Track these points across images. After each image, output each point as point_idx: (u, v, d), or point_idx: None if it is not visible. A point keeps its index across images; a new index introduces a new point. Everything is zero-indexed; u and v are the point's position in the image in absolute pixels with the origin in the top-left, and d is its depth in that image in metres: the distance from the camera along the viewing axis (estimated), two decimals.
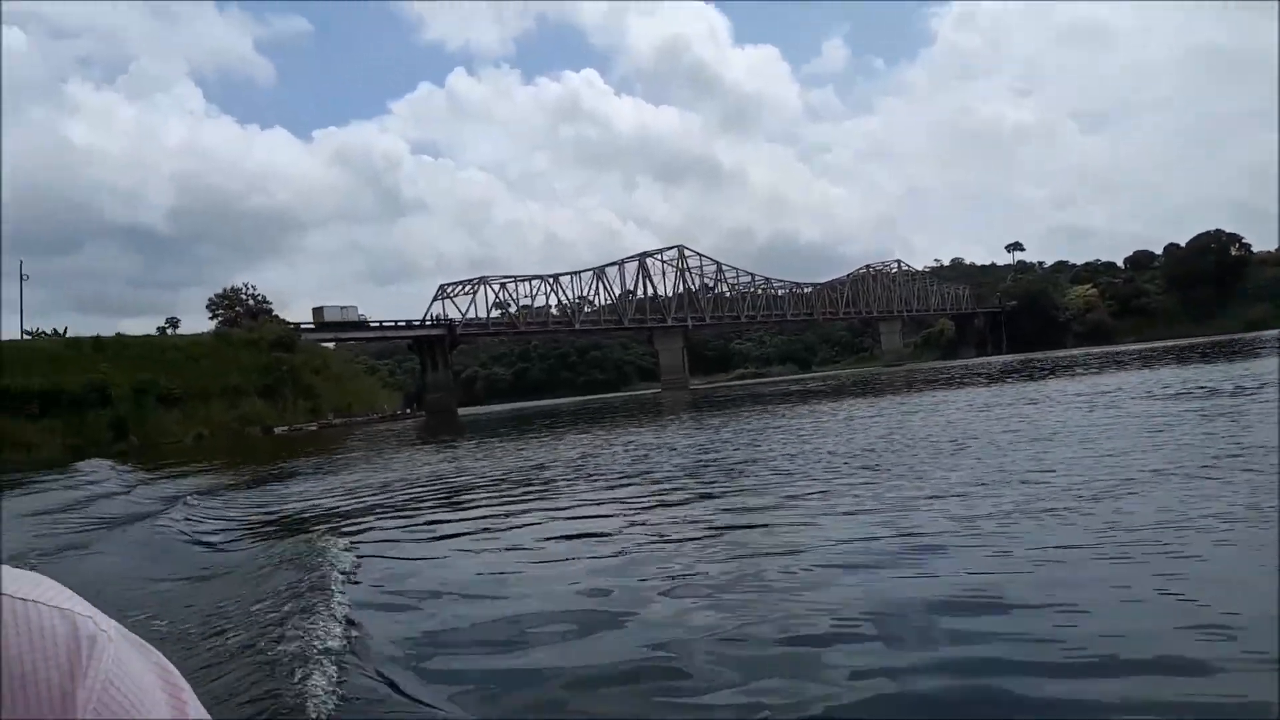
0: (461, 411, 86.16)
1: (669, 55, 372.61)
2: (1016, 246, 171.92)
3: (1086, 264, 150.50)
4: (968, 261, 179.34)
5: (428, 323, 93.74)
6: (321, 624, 4.73)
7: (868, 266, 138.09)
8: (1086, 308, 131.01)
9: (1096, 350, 72.42)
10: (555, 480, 12.19)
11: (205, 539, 8.91)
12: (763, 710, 3.32)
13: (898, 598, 4.61)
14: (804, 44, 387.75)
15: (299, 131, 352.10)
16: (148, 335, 70.56)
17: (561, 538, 7.48)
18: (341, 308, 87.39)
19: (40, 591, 0.46)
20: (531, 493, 10.91)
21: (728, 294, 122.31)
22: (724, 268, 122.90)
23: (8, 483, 19.14)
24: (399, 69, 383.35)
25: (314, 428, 67.86)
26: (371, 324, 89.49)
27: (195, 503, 12.52)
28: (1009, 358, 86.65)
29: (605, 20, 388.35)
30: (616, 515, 8.38)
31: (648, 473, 11.94)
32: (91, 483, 17.20)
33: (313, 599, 5.36)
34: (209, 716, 0.48)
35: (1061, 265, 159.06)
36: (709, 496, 9.20)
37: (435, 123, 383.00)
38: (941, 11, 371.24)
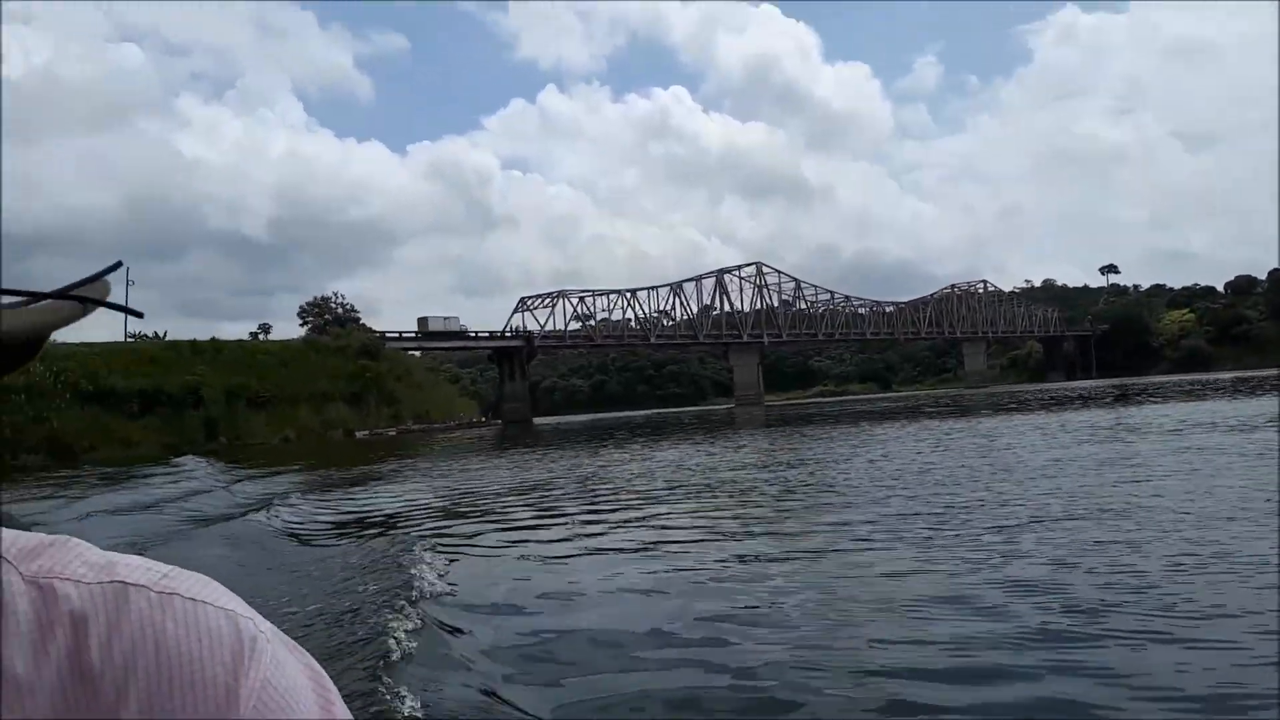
0: (538, 421, 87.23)
1: (758, 72, 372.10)
2: (1111, 269, 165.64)
3: (1184, 288, 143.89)
4: (1059, 283, 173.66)
5: (507, 334, 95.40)
6: (411, 625, 4.87)
7: (953, 286, 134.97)
8: (1182, 333, 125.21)
9: (1192, 378, 69.16)
10: (625, 491, 12.25)
11: (300, 536, 9.26)
12: None
13: (985, 634, 4.49)
14: (895, 61, 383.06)
15: (394, 145, 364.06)
16: (241, 340, 73.49)
17: (634, 550, 7.51)
18: (444, 318, 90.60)
19: (207, 592, 0.48)
20: (604, 503, 10.99)
21: (806, 311, 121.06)
22: (803, 285, 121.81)
23: (118, 475, 20.19)
24: (492, 85, 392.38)
25: (393, 433, 69.56)
26: (468, 333, 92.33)
27: (291, 501, 13.04)
28: (1099, 382, 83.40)
29: (694, 38, 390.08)
30: (688, 530, 8.37)
31: (713, 487, 11.91)
32: (191, 478, 18.11)
33: (402, 600, 5.52)
34: (352, 717, 0.49)
35: (1158, 289, 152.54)
36: (783, 515, 9.13)
37: (526, 138, 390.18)
38: (1040, 28, 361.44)
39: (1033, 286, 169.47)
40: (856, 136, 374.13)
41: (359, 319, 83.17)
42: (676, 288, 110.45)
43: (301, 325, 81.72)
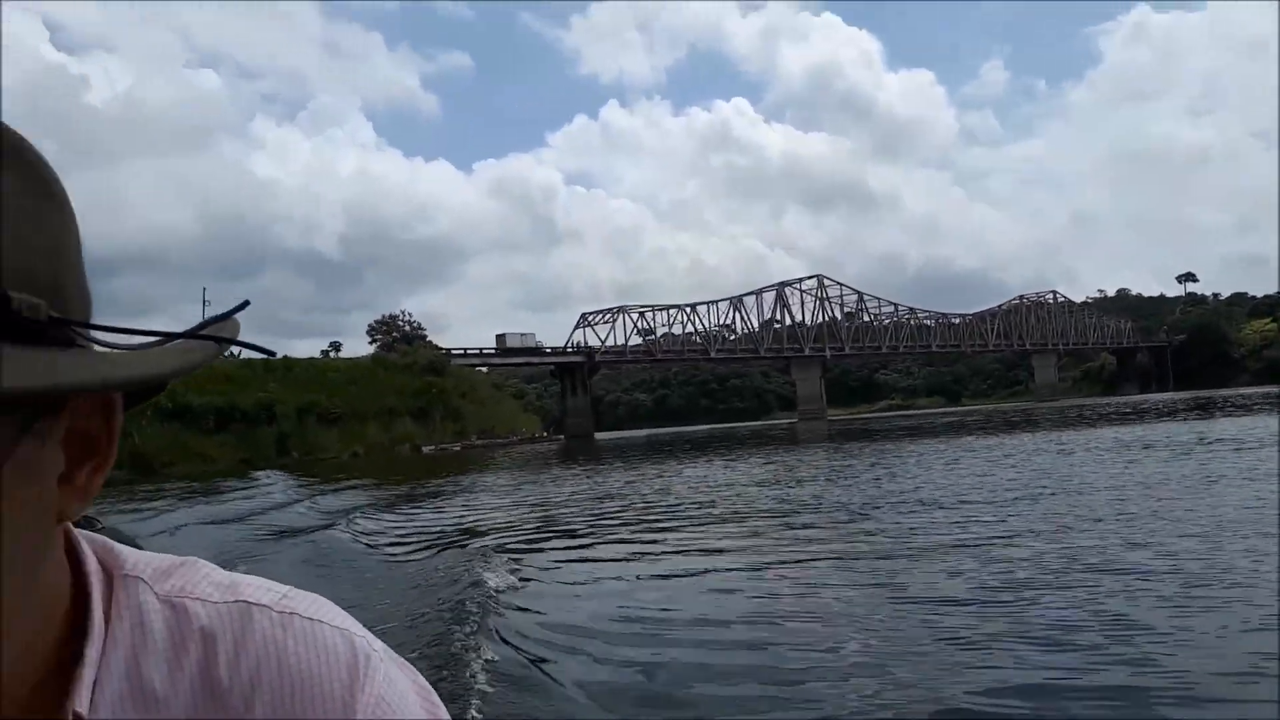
0: (600, 435, 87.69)
1: (820, 81, 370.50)
2: (1189, 277, 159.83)
3: (1267, 296, 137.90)
4: (1134, 292, 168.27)
5: (569, 350, 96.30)
6: (485, 638, 5.00)
7: (1021, 297, 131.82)
8: (1264, 343, 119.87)
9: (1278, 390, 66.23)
10: (687, 507, 12.28)
11: (378, 549, 9.55)
12: None
13: (1065, 676, 4.31)
14: (961, 67, 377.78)
15: (460, 163, 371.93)
16: (312, 358, 75.63)
17: (700, 570, 7.48)
18: (521, 334, 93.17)
19: (324, 612, 0.50)
20: (667, 519, 11.03)
21: (870, 324, 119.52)
22: (865, 297, 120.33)
23: (203, 489, 20.99)
24: (555, 102, 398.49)
25: (458, 448, 70.66)
26: (544, 349, 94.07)
27: (367, 515, 13.42)
28: (1177, 395, 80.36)
29: (755, 48, 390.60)
30: (745, 550, 8.32)
31: (771, 507, 11.86)
32: (270, 491, 18.78)
33: (475, 611, 5.67)
34: None
35: (1239, 297, 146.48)
36: (845, 535, 9.05)
37: (589, 153, 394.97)
38: (1110, 28, 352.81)
39: (1105, 296, 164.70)
40: (921, 144, 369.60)
41: (425, 336, 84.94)
42: (736, 301, 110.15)
43: (370, 343, 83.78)
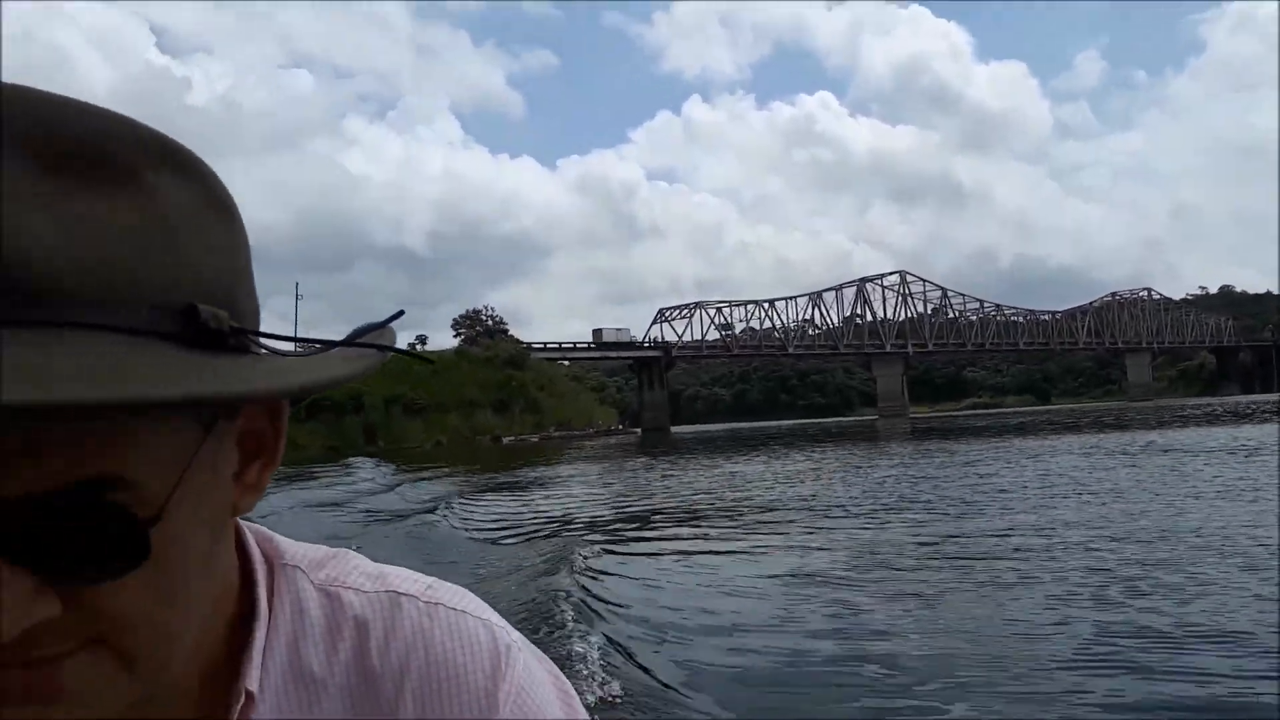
0: (676, 429, 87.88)
1: (907, 75, 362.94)
2: None
3: None
4: (1238, 289, 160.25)
5: (646, 345, 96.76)
6: (582, 626, 5.11)
7: (1114, 294, 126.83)
8: None
9: None
10: (764, 502, 12.24)
11: (472, 534, 9.84)
12: None
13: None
14: (1054, 58, 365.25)
15: (544, 160, 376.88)
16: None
17: (783, 572, 7.38)
18: (616, 329, 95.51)
19: (466, 603, 0.52)
20: (744, 512, 11.02)
21: (955, 320, 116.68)
22: (950, 293, 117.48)
23: (298, 474, 21.84)
24: (638, 98, 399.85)
25: (536, 439, 71.76)
26: (639, 344, 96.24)
27: (458, 502, 13.80)
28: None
29: (841, 42, 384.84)
30: (829, 547, 8.20)
31: (848, 505, 11.72)
32: (364, 478, 19.50)
33: (569, 599, 5.79)
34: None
35: None
36: (921, 539, 8.89)
37: (671, 149, 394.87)
38: (1214, 16, 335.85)
39: (1207, 293, 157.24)
40: (1013, 137, 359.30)
41: (507, 330, 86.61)
42: (816, 297, 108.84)
43: (455, 336, 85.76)
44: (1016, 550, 7.38)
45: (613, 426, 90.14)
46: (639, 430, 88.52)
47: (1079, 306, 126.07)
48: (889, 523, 9.58)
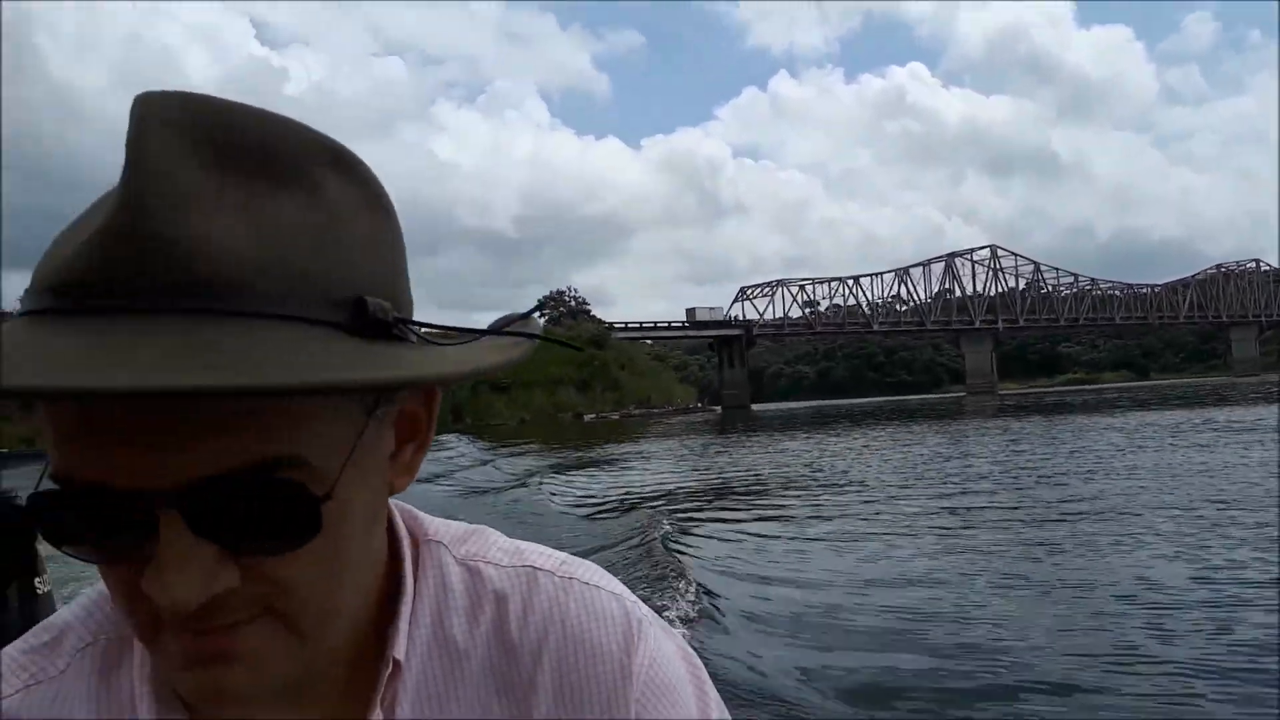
0: (757, 407, 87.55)
1: (1002, 43, 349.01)
2: None
3: None
4: None
5: (729, 322, 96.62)
6: (676, 599, 5.42)
7: (1218, 266, 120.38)
8: None
9: None
10: (850, 484, 12.31)
11: (565, 507, 10.31)
12: None
13: None
14: (1161, 20, 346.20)
15: (629, 140, 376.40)
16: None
17: (860, 542, 7.61)
18: (710, 308, 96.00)
19: (599, 578, 0.54)
20: (831, 494, 11.09)
21: (1047, 295, 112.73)
22: (1043, 268, 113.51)
23: None
24: (724, 75, 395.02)
25: (616, 417, 72.67)
26: (732, 321, 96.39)
27: (550, 477, 14.34)
28: None
29: (933, 12, 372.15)
30: (915, 532, 8.23)
31: (934, 486, 11.74)
32: (457, 453, 20.39)
33: (670, 575, 6.10)
34: (717, 694, 0.54)
35: None
36: (1008, 524, 8.89)
37: (757, 126, 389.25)
38: None
39: None
40: (1116, 104, 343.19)
41: (589, 310, 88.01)
42: (903, 273, 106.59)
43: (540, 316, 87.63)
44: (1097, 531, 7.41)
45: (691, 404, 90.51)
46: (719, 408, 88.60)
47: (1181, 280, 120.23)
48: (969, 504, 9.64)
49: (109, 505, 0.36)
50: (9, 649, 0.49)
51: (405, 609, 0.49)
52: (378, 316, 0.38)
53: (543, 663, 0.50)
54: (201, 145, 0.36)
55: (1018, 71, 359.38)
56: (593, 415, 73.72)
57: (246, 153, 0.37)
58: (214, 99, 0.38)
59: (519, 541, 0.56)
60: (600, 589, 0.53)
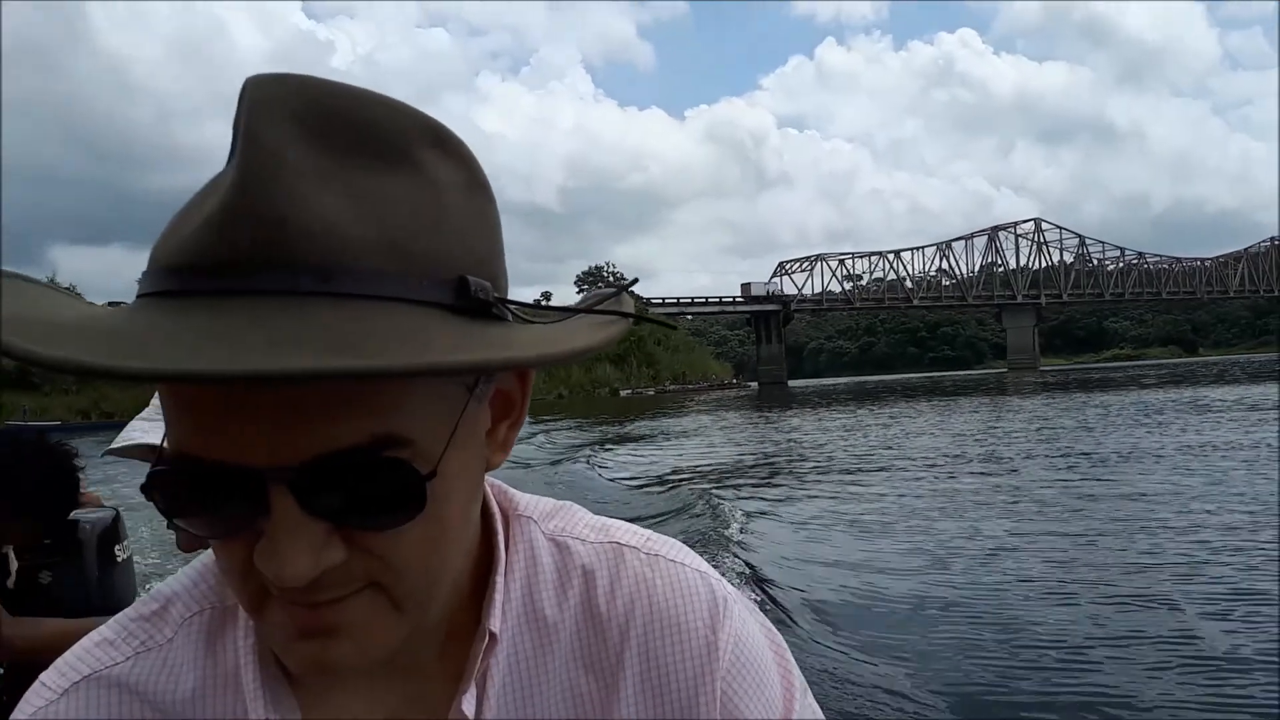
0: (794, 383, 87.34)
1: (1057, 8, 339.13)
2: None
3: None
4: None
5: (763, 297, 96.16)
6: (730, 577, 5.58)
7: (1272, 239, 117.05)
8: None
9: None
10: (891, 465, 12.34)
11: (615, 481, 10.54)
12: None
13: None
14: None
15: (673, 110, 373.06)
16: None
17: (896, 525, 7.61)
18: (765, 283, 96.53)
19: (684, 556, 0.55)
20: (873, 475, 11.05)
21: (1093, 268, 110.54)
22: (1088, 241, 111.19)
23: None
24: (770, 43, 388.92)
25: (652, 392, 72.96)
26: (786, 298, 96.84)
27: (596, 450, 14.65)
28: None
29: None
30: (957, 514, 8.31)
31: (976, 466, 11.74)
32: None
33: (719, 551, 6.28)
34: (800, 673, 0.55)
35: None
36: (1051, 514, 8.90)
37: (803, 95, 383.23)
38: None
39: None
40: (1174, 70, 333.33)
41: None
42: (944, 247, 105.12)
43: (577, 292, 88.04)
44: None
45: (727, 380, 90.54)
46: (755, 384, 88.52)
47: (1232, 253, 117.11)
48: (1003, 487, 9.64)
49: (222, 481, 0.37)
50: (120, 616, 0.51)
51: (500, 582, 0.50)
52: (479, 297, 0.39)
53: (629, 637, 0.51)
54: (312, 128, 0.37)
55: (1072, 36, 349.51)
56: (629, 390, 74.10)
57: (354, 134, 0.38)
58: (321, 80, 0.39)
59: (605, 518, 0.57)
60: (686, 566, 0.54)
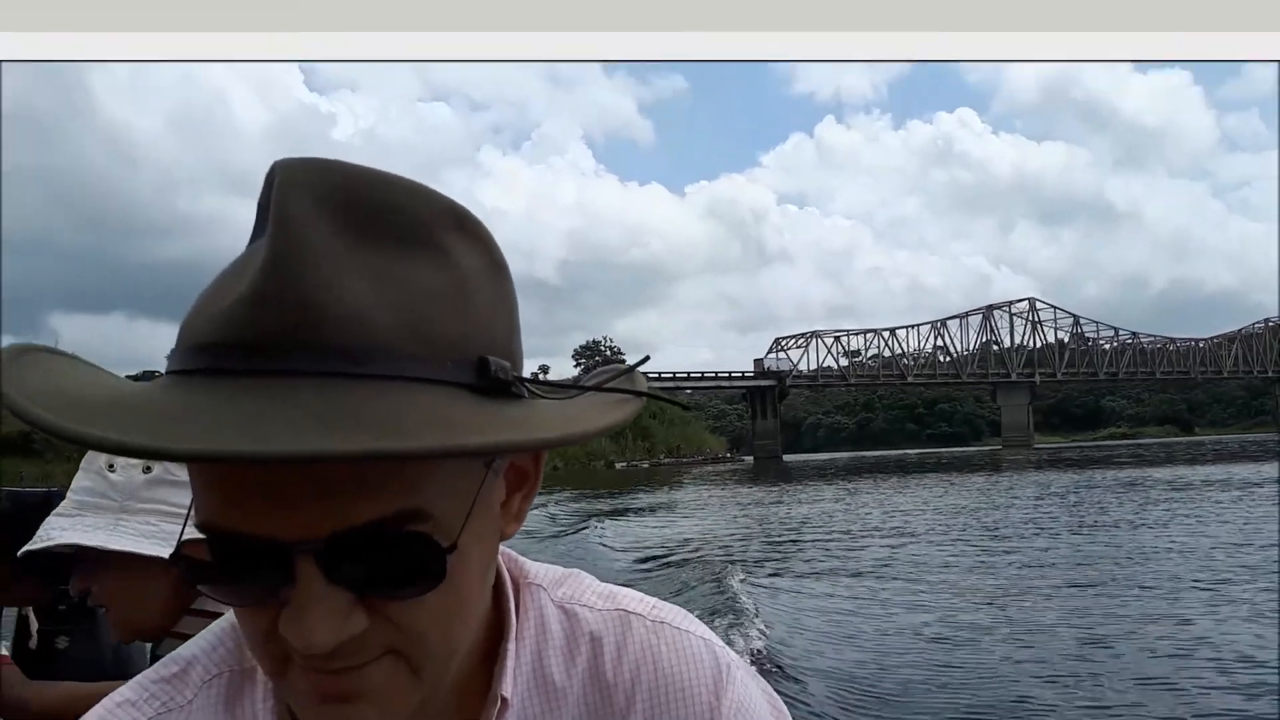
0: (790, 457, 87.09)
1: (1055, 89, 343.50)
2: None
3: None
4: None
5: (758, 374, 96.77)
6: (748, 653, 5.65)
7: (1267, 320, 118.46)
8: None
9: None
10: (866, 536, 12.51)
11: (623, 553, 10.66)
12: None
13: None
14: (1221, 63, 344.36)
15: (673, 186, 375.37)
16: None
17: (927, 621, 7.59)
18: (777, 357, 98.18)
19: (688, 623, 0.56)
20: (870, 546, 11.28)
21: (1087, 348, 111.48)
22: (1082, 321, 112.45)
23: None
24: (770, 121, 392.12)
25: (646, 465, 72.76)
26: (797, 375, 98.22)
27: (601, 522, 14.76)
28: None
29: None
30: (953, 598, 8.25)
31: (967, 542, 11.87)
32: None
33: (721, 619, 6.42)
34: None
35: None
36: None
37: (803, 172, 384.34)
38: None
39: None
40: (1172, 152, 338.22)
41: (625, 359, 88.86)
42: (939, 325, 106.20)
43: (575, 366, 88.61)
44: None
45: (722, 454, 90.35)
46: (750, 458, 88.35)
47: (1226, 334, 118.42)
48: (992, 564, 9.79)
49: (249, 552, 0.39)
50: (141, 678, 0.52)
51: (511, 649, 0.51)
52: (499, 376, 0.41)
53: (635, 703, 0.52)
54: (339, 212, 0.39)
55: (1071, 118, 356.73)
56: (624, 463, 73.85)
57: (380, 218, 0.40)
58: (347, 165, 0.40)
59: (612, 585, 0.58)
60: (690, 633, 0.55)
